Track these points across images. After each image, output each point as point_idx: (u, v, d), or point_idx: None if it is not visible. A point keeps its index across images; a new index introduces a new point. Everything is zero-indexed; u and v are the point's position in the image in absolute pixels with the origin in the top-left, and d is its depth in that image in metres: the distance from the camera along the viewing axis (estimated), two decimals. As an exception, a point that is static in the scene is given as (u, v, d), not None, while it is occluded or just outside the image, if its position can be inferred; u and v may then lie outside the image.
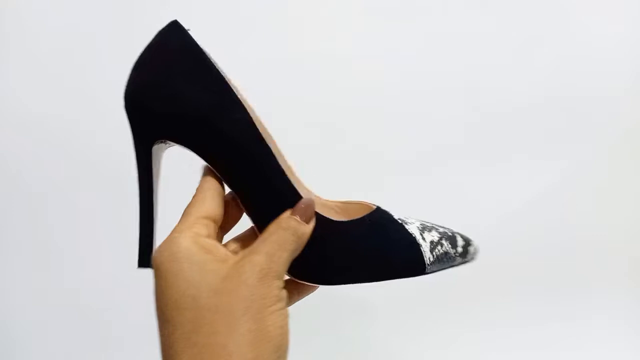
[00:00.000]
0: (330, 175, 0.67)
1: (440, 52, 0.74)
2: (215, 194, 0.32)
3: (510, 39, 0.74)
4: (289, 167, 0.35)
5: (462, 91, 0.75)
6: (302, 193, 0.33)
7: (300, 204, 0.32)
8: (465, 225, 0.77)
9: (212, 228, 0.31)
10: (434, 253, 0.36)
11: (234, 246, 0.35)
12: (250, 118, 0.32)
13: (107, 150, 0.73)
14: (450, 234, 0.37)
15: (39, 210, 0.75)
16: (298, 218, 0.31)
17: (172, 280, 0.28)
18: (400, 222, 0.36)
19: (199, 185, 0.33)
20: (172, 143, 0.33)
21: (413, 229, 0.36)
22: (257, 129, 0.32)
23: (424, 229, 0.36)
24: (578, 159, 0.78)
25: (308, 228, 0.31)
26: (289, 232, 0.30)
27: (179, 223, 0.30)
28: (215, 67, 0.33)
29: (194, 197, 0.32)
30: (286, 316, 0.28)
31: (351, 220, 0.35)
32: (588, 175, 0.78)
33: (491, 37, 0.74)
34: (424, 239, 0.36)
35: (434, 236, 0.36)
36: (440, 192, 0.76)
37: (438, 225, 0.38)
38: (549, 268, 0.79)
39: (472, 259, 0.38)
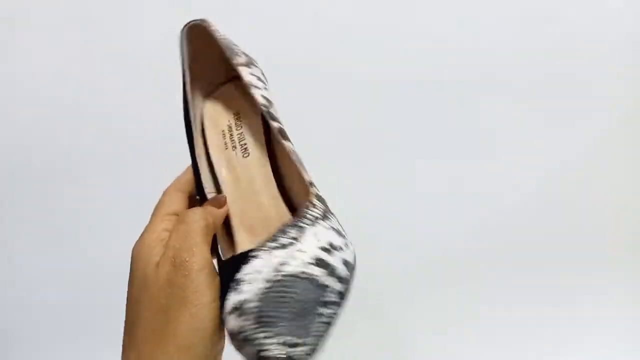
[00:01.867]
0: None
1: (447, 26, 0.74)
2: (179, 195, 0.34)
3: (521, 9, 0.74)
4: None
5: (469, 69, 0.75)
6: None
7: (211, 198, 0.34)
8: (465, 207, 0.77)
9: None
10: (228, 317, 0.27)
11: None
12: (190, 126, 0.36)
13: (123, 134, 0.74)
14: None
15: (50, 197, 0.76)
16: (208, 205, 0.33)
17: (132, 278, 0.30)
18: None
19: (167, 188, 0.35)
20: None
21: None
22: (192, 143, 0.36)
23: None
24: (584, 139, 0.78)
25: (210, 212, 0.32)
26: (186, 225, 0.30)
27: (148, 222, 0.32)
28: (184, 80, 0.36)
29: (160, 198, 0.34)
30: (216, 308, 0.28)
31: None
32: (596, 154, 0.79)
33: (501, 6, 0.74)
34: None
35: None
36: (445, 169, 0.76)
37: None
38: (555, 246, 0.80)
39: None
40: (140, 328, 0.28)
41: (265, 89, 0.37)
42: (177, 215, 0.33)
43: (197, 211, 0.31)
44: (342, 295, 0.29)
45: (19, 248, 0.77)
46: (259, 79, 0.37)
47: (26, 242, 0.77)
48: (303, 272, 0.27)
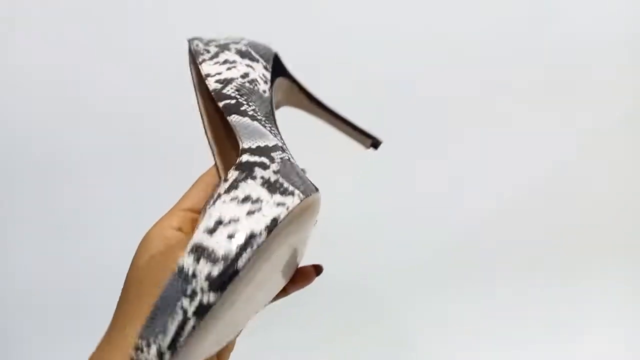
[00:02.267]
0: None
1: (449, 13, 0.74)
2: (205, 187, 0.34)
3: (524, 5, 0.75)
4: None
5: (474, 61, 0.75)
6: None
7: None
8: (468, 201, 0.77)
9: (188, 219, 0.33)
10: None
11: None
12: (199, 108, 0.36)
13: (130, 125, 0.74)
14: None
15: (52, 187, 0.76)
16: None
17: (131, 266, 0.31)
18: None
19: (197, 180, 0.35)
20: None
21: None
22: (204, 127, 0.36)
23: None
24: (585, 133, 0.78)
25: None
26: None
27: (165, 214, 0.33)
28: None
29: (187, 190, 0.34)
30: None
31: None
32: (598, 148, 0.79)
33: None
34: None
35: None
36: (448, 163, 0.77)
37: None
38: (559, 242, 0.80)
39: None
40: (121, 312, 0.29)
41: (231, 68, 0.37)
42: (194, 211, 0.33)
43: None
44: (215, 279, 0.25)
45: (18, 248, 0.77)
46: (224, 62, 0.37)
47: (26, 241, 0.77)
48: (179, 266, 0.25)
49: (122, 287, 0.31)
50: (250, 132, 0.32)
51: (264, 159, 0.30)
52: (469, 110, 0.76)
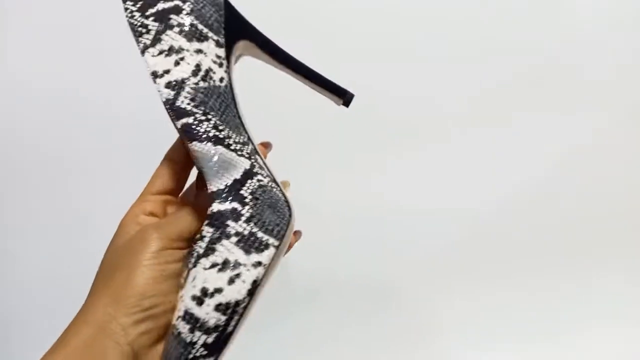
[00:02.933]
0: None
1: (448, 13, 0.74)
2: (168, 170, 0.35)
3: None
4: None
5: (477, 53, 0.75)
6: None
7: None
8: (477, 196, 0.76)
9: (159, 202, 0.34)
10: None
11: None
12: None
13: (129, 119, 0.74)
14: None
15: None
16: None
17: (106, 252, 0.33)
18: None
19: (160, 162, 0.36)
20: None
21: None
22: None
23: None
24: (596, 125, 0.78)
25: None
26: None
27: (136, 201, 0.35)
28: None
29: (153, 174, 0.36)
30: (155, 270, 0.29)
31: None
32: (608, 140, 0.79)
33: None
34: None
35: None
36: (453, 159, 0.76)
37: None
38: (566, 235, 0.80)
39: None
40: (94, 290, 0.31)
41: (180, 62, 0.31)
42: (163, 193, 0.34)
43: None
44: (210, 346, 0.27)
45: (19, 247, 0.77)
46: (170, 51, 0.31)
47: (27, 241, 0.77)
48: (175, 328, 0.28)
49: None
50: (215, 165, 0.30)
51: (235, 205, 0.29)
52: (468, 109, 0.76)
